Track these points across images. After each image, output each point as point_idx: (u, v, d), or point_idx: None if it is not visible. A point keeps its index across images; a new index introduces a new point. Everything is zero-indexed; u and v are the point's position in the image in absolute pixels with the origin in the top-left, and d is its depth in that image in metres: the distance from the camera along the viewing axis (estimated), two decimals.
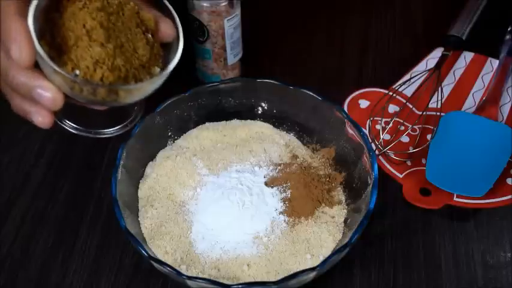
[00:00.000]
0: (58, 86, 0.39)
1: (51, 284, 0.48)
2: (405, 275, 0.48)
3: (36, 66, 0.39)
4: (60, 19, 0.40)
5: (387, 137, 0.58)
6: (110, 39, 0.40)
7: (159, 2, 0.44)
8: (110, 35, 0.40)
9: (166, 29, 0.44)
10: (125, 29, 0.42)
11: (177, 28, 0.44)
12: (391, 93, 0.61)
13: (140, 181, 0.51)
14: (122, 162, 0.47)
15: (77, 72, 0.39)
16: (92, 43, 0.39)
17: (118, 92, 0.40)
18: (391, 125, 0.58)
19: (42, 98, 0.39)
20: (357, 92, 0.63)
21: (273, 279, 0.44)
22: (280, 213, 0.49)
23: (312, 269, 0.41)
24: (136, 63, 0.42)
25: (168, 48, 0.45)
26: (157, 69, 0.44)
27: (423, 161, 0.56)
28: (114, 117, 0.47)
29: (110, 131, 0.47)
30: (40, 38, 0.38)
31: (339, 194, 0.51)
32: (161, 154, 0.54)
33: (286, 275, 0.42)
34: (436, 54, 0.66)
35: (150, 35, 0.44)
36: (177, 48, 0.44)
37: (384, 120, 0.58)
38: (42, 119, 0.40)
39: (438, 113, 0.59)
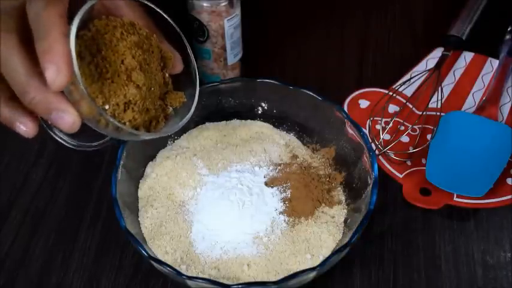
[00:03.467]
0: (81, 113, 0.37)
1: (51, 284, 0.48)
2: (405, 274, 0.48)
3: None
4: (91, 40, 0.38)
5: (387, 137, 0.58)
6: (145, 81, 0.40)
7: (172, 33, 0.43)
8: (145, 76, 0.40)
9: (176, 62, 0.44)
10: (154, 69, 0.41)
11: (191, 66, 0.44)
12: (391, 93, 0.61)
13: (140, 181, 0.51)
14: (122, 162, 0.47)
15: (106, 107, 0.38)
16: (128, 83, 0.38)
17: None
18: (391, 125, 0.58)
19: (62, 121, 0.37)
20: (357, 92, 0.63)
21: (273, 279, 0.44)
22: (280, 213, 0.49)
23: (312, 269, 0.41)
24: (157, 104, 0.42)
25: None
26: (171, 109, 0.44)
27: (423, 161, 0.56)
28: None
29: (94, 144, 0.46)
30: None
31: (339, 194, 0.51)
32: (161, 154, 0.54)
33: (286, 275, 0.42)
34: (436, 54, 0.66)
35: (166, 74, 0.44)
36: (194, 87, 0.44)
37: (384, 120, 0.58)
38: (26, 128, 0.39)
39: (438, 113, 0.59)
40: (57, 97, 0.36)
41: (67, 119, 0.36)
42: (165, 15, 0.42)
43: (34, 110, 0.37)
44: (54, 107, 0.36)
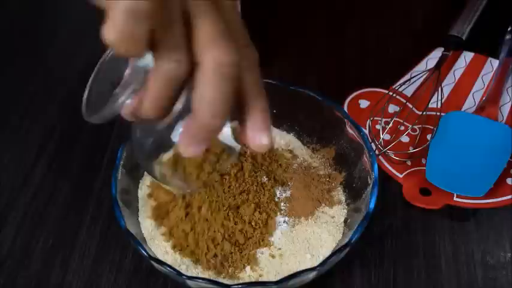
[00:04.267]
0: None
1: (51, 284, 0.48)
2: (405, 275, 0.48)
3: None
4: None
5: (387, 137, 0.58)
6: None
7: None
8: None
9: None
10: None
11: None
12: (391, 93, 0.61)
13: (140, 181, 0.51)
14: (121, 162, 0.47)
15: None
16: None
17: None
18: (391, 125, 0.58)
19: (193, 150, 0.34)
20: (357, 92, 0.63)
21: (273, 279, 0.44)
22: (280, 213, 0.49)
23: (312, 269, 0.41)
24: None
25: None
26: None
27: (423, 161, 0.56)
28: None
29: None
30: None
31: (339, 194, 0.51)
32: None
33: (286, 275, 0.42)
34: (436, 54, 0.66)
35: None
36: None
37: (384, 120, 0.58)
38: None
39: (438, 113, 0.59)
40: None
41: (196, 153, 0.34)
42: None
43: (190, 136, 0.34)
44: (206, 144, 0.34)
